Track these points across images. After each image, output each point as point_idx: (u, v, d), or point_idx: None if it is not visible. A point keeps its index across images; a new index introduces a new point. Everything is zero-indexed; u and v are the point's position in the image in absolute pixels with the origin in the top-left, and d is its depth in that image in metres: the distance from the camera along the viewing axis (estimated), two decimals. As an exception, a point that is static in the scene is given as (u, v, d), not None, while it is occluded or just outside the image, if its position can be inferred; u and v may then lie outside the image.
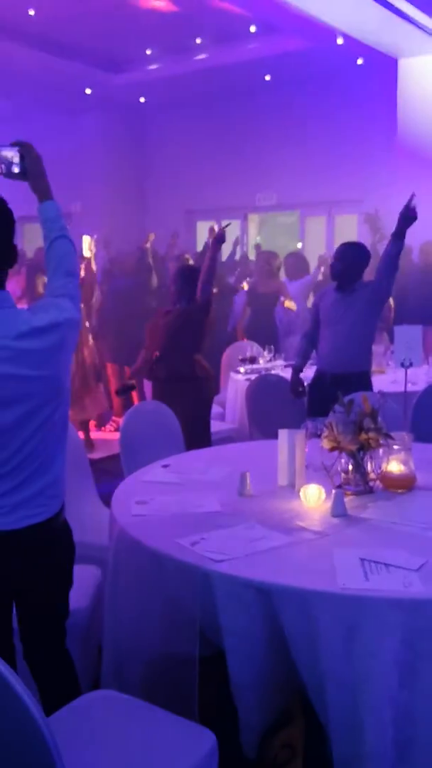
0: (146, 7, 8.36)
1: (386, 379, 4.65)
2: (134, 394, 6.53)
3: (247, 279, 7.86)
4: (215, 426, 5.00)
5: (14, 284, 6.79)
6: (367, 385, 4.15)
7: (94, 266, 6.24)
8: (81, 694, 1.96)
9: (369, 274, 4.25)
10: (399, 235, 3.90)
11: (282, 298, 6.59)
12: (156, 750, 1.65)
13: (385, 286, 4.01)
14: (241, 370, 5.53)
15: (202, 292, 4.20)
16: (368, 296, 4.06)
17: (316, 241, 10.97)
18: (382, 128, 9.82)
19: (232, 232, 12.07)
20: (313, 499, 2.46)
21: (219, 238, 4.31)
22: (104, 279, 7.59)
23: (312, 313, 4.33)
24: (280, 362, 5.77)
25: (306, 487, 2.49)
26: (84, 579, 2.47)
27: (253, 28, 8.84)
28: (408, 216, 3.88)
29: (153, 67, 10.27)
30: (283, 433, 2.71)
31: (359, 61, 9.45)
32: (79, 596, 2.30)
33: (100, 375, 6.33)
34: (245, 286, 7.36)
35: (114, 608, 2.27)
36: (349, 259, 4.14)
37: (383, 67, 9.44)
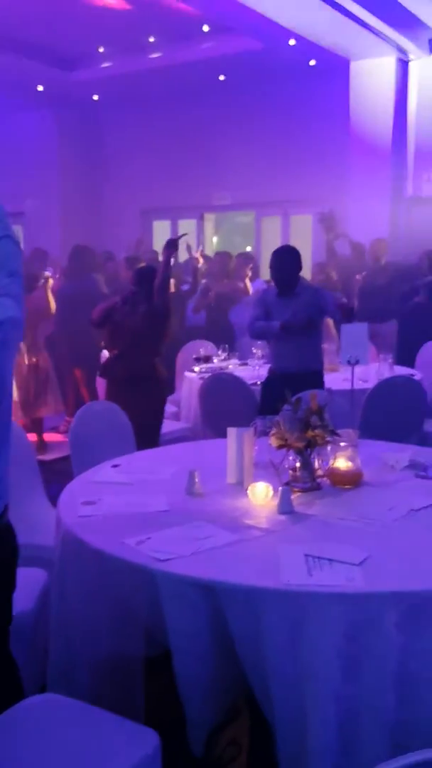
0: (99, 4, 8.30)
1: (339, 377, 4.70)
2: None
3: (203, 280, 7.86)
4: (169, 426, 5.00)
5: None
6: (319, 384, 4.20)
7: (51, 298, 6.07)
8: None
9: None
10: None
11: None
12: (96, 752, 1.64)
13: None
14: (196, 369, 5.53)
15: (158, 297, 4.24)
16: (310, 300, 4.14)
17: (272, 241, 11.02)
18: (336, 129, 9.91)
19: (188, 236, 12.09)
20: (261, 496, 2.47)
21: (170, 244, 4.34)
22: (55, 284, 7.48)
23: (260, 308, 4.34)
24: (234, 361, 5.79)
25: (254, 485, 2.50)
26: (30, 581, 2.44)
27: (206, 28, 8.84)
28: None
29: (106, 65, 10.20)
30: (231, 432, 2.72)
31: (312, 62, 9.53)
32: (24, 599, 2.27)
33: (58, 379, 6.27)
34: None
35: (60, 610, 2.25)
36: (287, 268, 4.21)
37: (336, 69, 9.52)
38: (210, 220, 12.31)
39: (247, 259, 7.89)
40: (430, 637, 1.79)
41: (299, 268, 4.26)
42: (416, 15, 8.44)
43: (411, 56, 9.48)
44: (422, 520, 2.32)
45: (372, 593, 1.80)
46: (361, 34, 8.41)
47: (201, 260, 7.95)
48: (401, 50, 9.21)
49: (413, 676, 1.79)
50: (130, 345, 4.28)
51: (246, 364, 5.53)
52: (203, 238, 11.90)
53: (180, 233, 4.54)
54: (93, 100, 11.46)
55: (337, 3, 7.47)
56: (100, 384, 5.27)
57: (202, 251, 8.76)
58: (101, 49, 9.81)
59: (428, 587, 1.82)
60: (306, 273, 6.59)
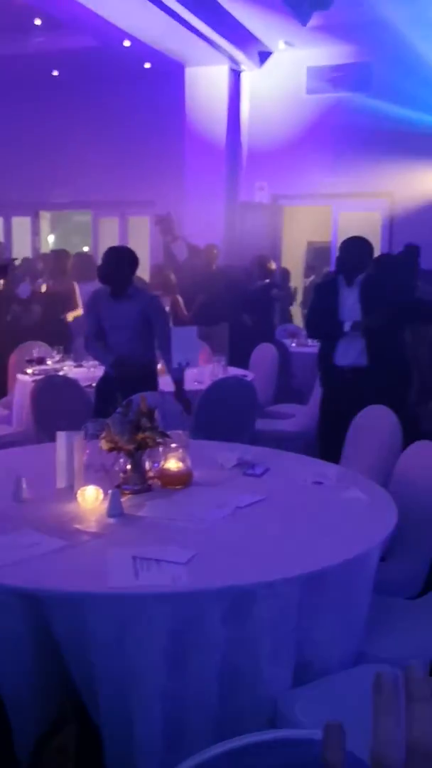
0: None
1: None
2: None
3: (38, 280, 7.67)
4: (0, 430, 4.84)
5: None
6: (153, 386, 4.23)
7: None
8: None
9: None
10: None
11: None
12: None
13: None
14: (29, 371, 5.39)
15: None
16: (143, 306, 4.17)
17: (109, 241, 10.96)
18: (172, 133, 10.04)
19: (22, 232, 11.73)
20: (91, 500, 2.45)
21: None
22: None
23: (91, 318, 4.32)
24: (69, 363, 5.70)
25: (83, 488, 2.48)
26: None
27: (38, 21, 8.64)
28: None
29: None
30: (61, 435, 2.68)
31: (147, 65, 9.59)
32: None
33: None
34: (44, 288, 7.17)
35: None
36: (122, 271, 4.22)
37: (171, 73, 9.65)
38: (46, 218, 12.04)
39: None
40: (252, 629, 1.87)
41: (131, 269, 4.26)
42: (247, 28, 8.75)
43: (243, 67, 9.80)
44: (247, 517, 2.41)
45: (196, 591, 1.85)
46: (195, 41, 8.57)
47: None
48: (234, 61, 9.50)
49: (236, 668, 1.86)
50: None
51: (81, 365, 5.46)
52: (39, 237, 11.63)
53: (12, 257, 4.40)
54: None
55: (170, 9, 7.57)
56: None
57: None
58: None
59: (250, 581, 1.89)
60: (144, 274, 6.64)
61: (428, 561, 2.67)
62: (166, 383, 4.50)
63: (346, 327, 4.34)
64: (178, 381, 4.00)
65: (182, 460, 2.70)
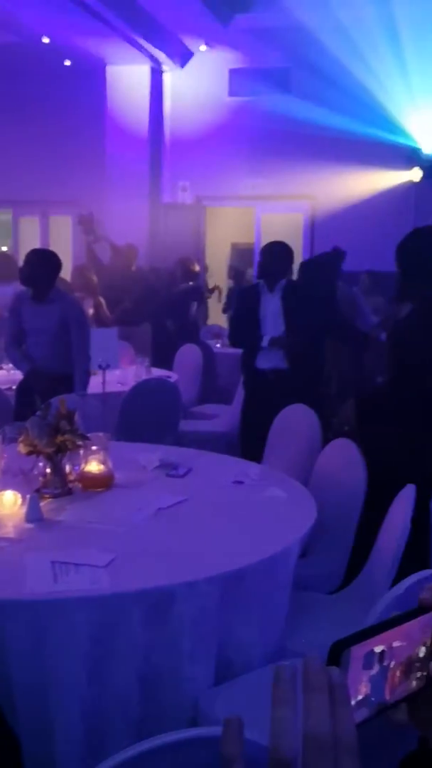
0: None
1: (96, 380, 4.71)
2: None
3: None
4: None
5: None
6: (72, 388, 4.18)
7: None
8: None
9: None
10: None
11: None
12: None
13: None
14: None
15: None
16: (63, 311, 4.12)
17: (30, 241, 10.76)
18: (94, 131, 9.94)
19: None
20: (9, 505, 2.41)
21: None
22: None
23: (13, 320, 4.25)
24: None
25: (1, 493, 2.43)
26: None
27: None
28: None
29: None
30: (-23, 440, 2.62)
31: (67, 62, 9.47)
32: None
33: None
34: None
35: None
36: (45, 275, 4.16)
37: (92, 72, 9.56)
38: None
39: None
40: (172, 630, 1.88)
41: (55, 272, 4.20)
42: (168, 28, 8.75)
43: (165, 67, 9.81)
44: (169, 518, 2.42)
45: (116, 594, 1.85)
46: (114, 40, 8.52)
47: None
48: (155, 60, 9.49)
49: (157, 669, 1.86)
50: None
51: (1, 368, 5.34)
52: None
53: None
54: None
55: (88, 6, 7.50)
56: None
57: None
58: None
59: (169, 582, 1.90)
60: (65, 275, 6.54)
61: (347, 555, 2.74)
62: (94, 384, 4.45)
63: (264, 342, 4.41)
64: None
65: (103, 462, 2.69)
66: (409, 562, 2.23)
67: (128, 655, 1.83)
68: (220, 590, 1.94)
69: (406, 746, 0.68)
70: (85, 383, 4.08)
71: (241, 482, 2.77)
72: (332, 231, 8.98)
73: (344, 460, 2.89)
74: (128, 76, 9.56)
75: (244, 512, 2.49)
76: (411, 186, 9.48)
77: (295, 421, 3.54)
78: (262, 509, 2.51)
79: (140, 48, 8.88)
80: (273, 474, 2.93)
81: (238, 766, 0.53)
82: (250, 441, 4.38)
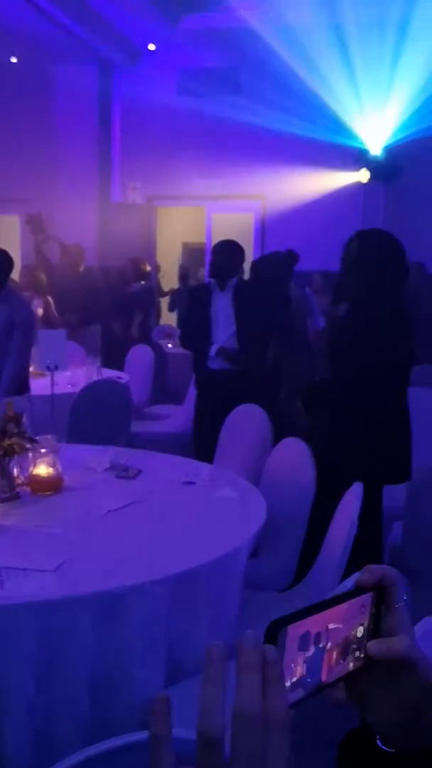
0: None
1: (45, 382, 4.65)
2: None
3: None
4: None
5: None
6: (22, 389, 4.13)
7: None
8: None
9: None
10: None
11: None
12: None
13: None
14: None
15: None
16: (9, 312, 4.05)
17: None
18: (42, 130, 9.82)
19: None
20: None
21: None
22: None
23: None
24: None
25: None
26: None
27: None
28: None
29: None
30: None
31: (13, 59, 9.34)
32: None
33: None
34: None
35: None
36: None
37: (40, 68, 9.44)
38: None
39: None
40: (122, 632, 1.87)
41: (6, 272, 4.12)
42: (117, 27, 8.70)
43: (114, 67, 9.74)
44: (119, 520, 2.40)
45: (65, 598, 1.83)
46: (62, 38, 8.44)
47: None
48: (104, 60, 9.42)
49: (107, 673, 1.85)
50: None
51: None
52: None
53: None
54: None
55: (36, 4, 7.41)
56: None
57: None
58: None
59: (120, 585, 1.89)
60: (14, 275, 6.44)
61: (297, 554, 2.76)
62: (37, 387, 4.40)
63: (212, 351, 4.42)
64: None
65: (52, 465, 2.66)
66: (360, 556, 2.27)
67: (78, 659, 1.81)
68: (171, 591, 1.94)
69: (350, 724, 0.69)
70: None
71: (191, 483, 2.77)
72: (283, 230, 9.06)
73: (294, 460, 2.91)
74: (77, 75, 9.47)
75: (194, 513, 2.49)
76: (359, 187, 9.62)
77: (246, 421, 3.55)
78: (213, 510, 2.51)
79: (89, 46, 8.81)
80: (224, 474, 2.93)
81: (166, 745, 0.53)
82: (203, 441, 4.39)
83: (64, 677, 1.80)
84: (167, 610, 1.93)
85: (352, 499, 2.37)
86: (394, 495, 3.16)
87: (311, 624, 0.58)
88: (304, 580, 2.62)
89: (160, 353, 6.56)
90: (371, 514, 2.86)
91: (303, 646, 0.57)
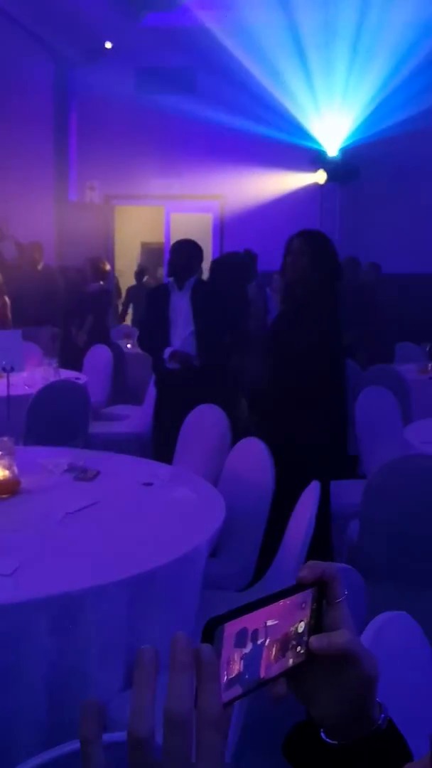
0: None
1: (1, 383, 4.60)
2: None
3: None
4: None
5: None
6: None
7: None
8: None
9: None
10: None
11: None
12: None
13: None
14: None
15: None
16: None
17: None
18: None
19: None
20: None
21: None
22: None
23: None
24: None
25: None
26: None
27: None
28: None
29: None
30: None
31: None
32: None
33: None
34: None
35: None
36: None
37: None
38: None
39: None
40: (80, 635, 1.85)
41: None
42: (74, 24, 8.62)
43: (71, 64, 9.66)
44: (77, 522, 2.38)
45: (21, 602, 1.81)
46: (18, 35, 8.34)
47: None
48: (61, 57, 9.33)
49: (65, 676, 1.84)
50: None
51: None
52: None
53: None
54: None
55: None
56: None
57: None
58: None
59: (77, 587, 1.88)
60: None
61: (256, 553, 2.78)
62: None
63: (166, 354, 4.41)
64: None
65: (8, 467, 2.62)
66: (310, 553, 2.29)
67: (35, 663, 1.79)
68: (129, 593, 1.93)
69: (295, 718, 0.69)
70: None
71: (150, 484, 2.76)
72: (241, 231, 9.10)
73: (252, 459, 2.93)
74: (31, 72, 9.36)
75: (153, 514, 2.49)
76: (316, 188, 9.71)
77: (205, 421, 3.56)
78: (171, 510, 2.51)
79: (45, 43, 8.72)
80: (182, 474, 2.93)
81: (94, 748, 0.53)
82: (162, 441, 4.38)
83: (21, 681, 1.78)
84: (125, 612, 1.93)
85: (309, 497, 2.39)
86: (350, 493, 3.20)
87: (249, 621, 0.58)
88: (262, 579, 2.63)
89: (118, 353, 6.52)
90: (319, 510, 2.89)
91: (240, 643, 0.58)
